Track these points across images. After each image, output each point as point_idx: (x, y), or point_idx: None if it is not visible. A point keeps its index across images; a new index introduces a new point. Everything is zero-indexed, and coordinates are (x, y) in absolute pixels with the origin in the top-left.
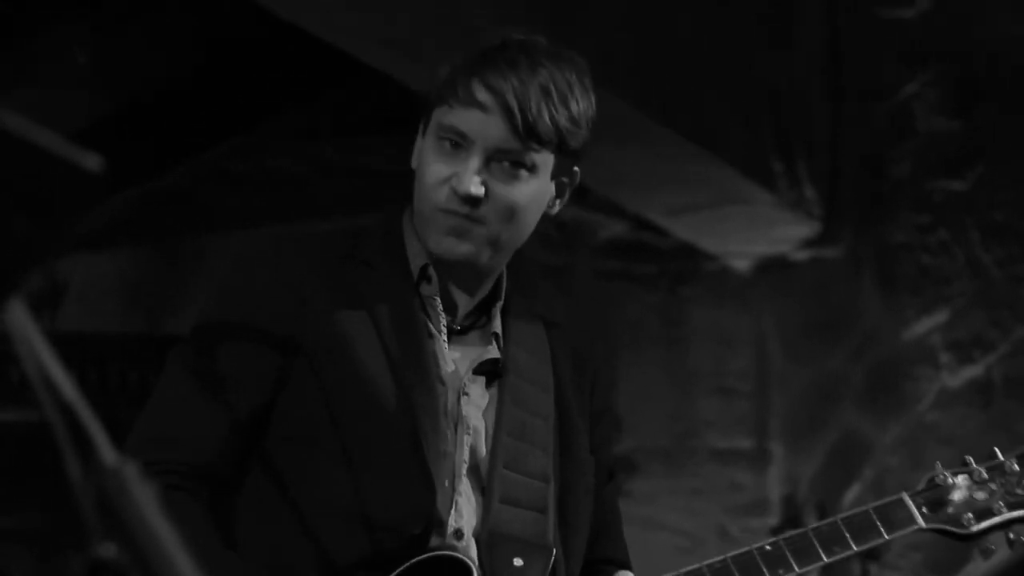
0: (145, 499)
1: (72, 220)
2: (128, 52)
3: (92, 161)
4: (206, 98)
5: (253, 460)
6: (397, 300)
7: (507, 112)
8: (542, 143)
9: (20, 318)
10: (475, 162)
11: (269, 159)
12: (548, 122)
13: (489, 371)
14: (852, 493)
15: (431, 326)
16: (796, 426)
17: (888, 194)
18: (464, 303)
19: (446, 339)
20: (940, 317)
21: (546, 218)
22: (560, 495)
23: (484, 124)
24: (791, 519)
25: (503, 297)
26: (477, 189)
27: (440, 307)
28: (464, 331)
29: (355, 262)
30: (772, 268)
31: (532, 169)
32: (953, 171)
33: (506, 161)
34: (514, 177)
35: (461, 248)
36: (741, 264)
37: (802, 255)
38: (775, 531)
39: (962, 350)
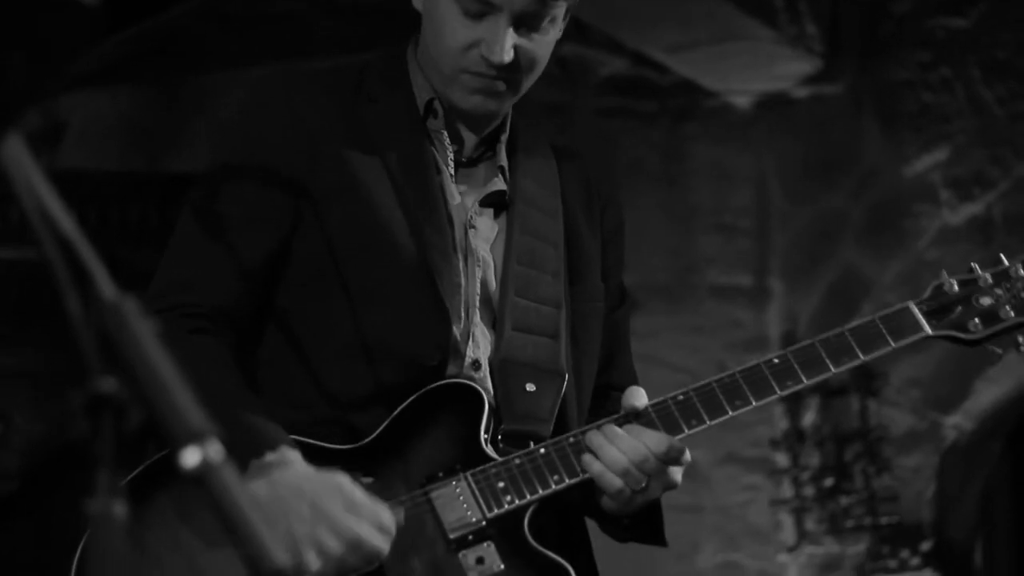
0: (144, 333)
1: (69, 57)
2: None
3: None
4: None
5: (271, 306)
6: (404, 136)
7: None
8: None
9: (17, 153)
10: (505, 30)
11: None
12: None
13: (497, 203)
14: None
15: (439, 160)
16: (796, 263)
17: (890, 31)
18: (471, 137)
19: (453, 173)
20: (941, 154)
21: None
22: (573, 322)
23: None
24: None
25: (508, 130)
26: (510, 56)
27: (447, 140)
28: (471, 164)
29: (362, 98)
30: (773, 105)
31: (553, 21)
32: (955, 8)
33: (532, 21)
34: (539, 32)
35: (490, 105)
36: (742, 101)
37: (803, 92)
38: None
39: (962, 187)
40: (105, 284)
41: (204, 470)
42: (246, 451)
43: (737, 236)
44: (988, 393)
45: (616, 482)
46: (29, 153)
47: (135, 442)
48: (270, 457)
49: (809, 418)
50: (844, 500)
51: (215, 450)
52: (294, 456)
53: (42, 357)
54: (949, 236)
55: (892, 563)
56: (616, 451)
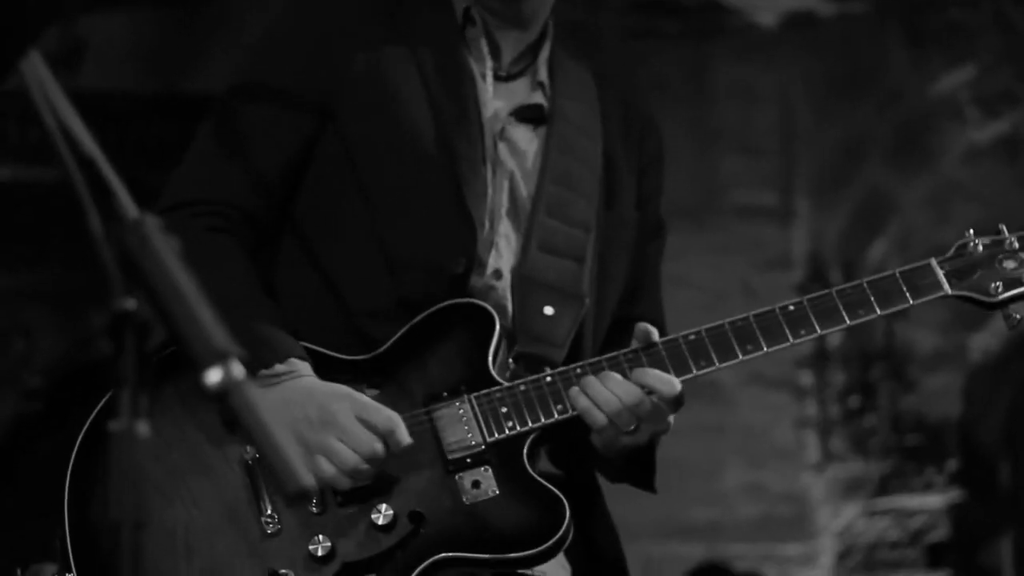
0: (166, 251)
1: None
2: None
3: None
4: None
5: (290, 218)
6: (441, 44)
7: None
8: None
9: (38, 73)
10: None
11: None
12: None
13: (535, 118)
14: (877, 249)
15: (475, 71)
16: (821, 182)
17: None
18: (510, 48)
19: (491, 85)
20: (967, 72)
21: None
22: (602, 248)
23: None
24: (815, 274)
25: (548, 47)
26: None
27: (486, 50)
28: (510, 79)
29: (399, 6)
30: (798, 23)
31: None
32: None
33: None
34: None
35: (533, 3)
36: (766, 19)
37: (828, 10)
38: (799, 287)
39: (988, 105)
40: (127, 203)
41: (227, 388)
42: (256, 361)
43: (762, 156)
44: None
45: (600, 418)
46: (49, 73)
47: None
48: (280, 367)
49: (834, 337)
50: (869, 420)
51: (238, 369)
52: (304, 367)
53: (63, 277)
54: (975, 154)
55: (917, 482)
56: (608, 392)
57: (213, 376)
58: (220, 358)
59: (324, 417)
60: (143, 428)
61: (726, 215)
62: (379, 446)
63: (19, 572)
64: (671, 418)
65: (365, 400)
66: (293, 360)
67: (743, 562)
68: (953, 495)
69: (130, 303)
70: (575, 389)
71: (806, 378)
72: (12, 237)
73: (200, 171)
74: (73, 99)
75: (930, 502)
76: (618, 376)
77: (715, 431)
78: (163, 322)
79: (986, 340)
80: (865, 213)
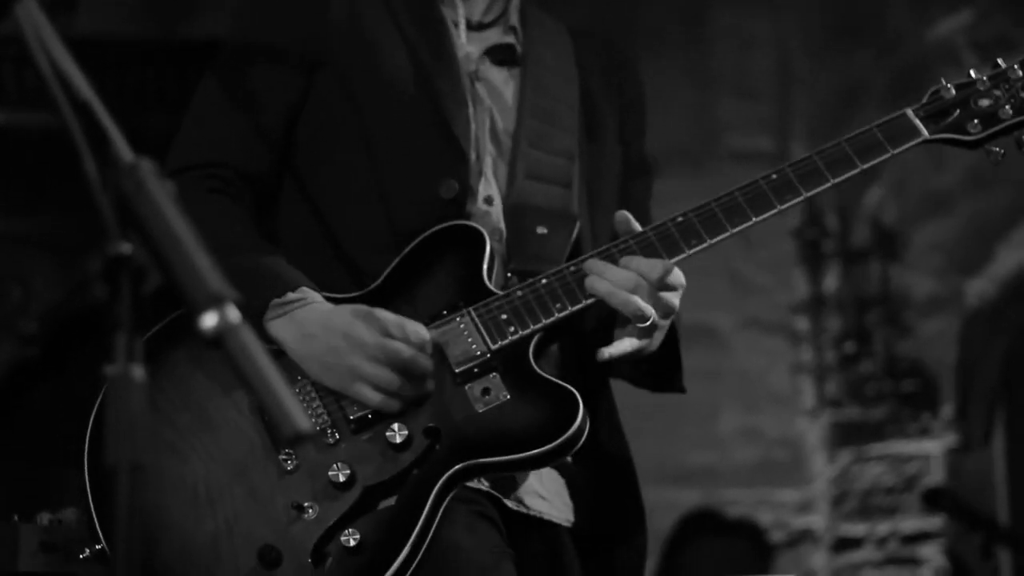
0: (162, 195)
1: None
2: None
3: None
4: None
5: (289, 169)
6: None
7: None
8: None
9: (33, 16)
10: None
11: None
12: None
13: (508, 60)
14: (872, 194)
15: (447, 18)
16: (819, 127)
17: None
18: None
19: (464, 32)
20: (964, 17)
21: None
22: (588, 176)
23: None
24: (811, 219)
25: None
26: None
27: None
28: (482, 28)
29: None
30: None
31: None
32: None
33: None
34: None
35: None
36: None
37: None
38: (796, 231)
39: (985, 50)
40: (122, 147)
41: (223, 332)
42: (267, 291)
43: (759, 100)
44: (1011, 258)
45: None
46: (45, 17)
47: (152, 305)
48: (291, 295)
49: (830, 283)
50: (865, 365)
51: (233, 313)
52: (314, 295)
53: (60, 223)
54: None
55: (913, 428)
56: (608, 284)
57: (208, 320)
58: (216, 302)
59: (350, 342)
60: (138, 372)
61: (722, 159)
62: (409, 350)
63: (16, 518)
64: (676, 299)
65: (387, 317)
66: (304, 288)
67: (738, 507)
68: (949, 441)
69: (126, 248)
70: (591, 278)
71: (802, 323)
72: (8, 183)
73: (198, 135)
74: (69, 45)
75: (926, 448)
76: (613, 266)
77: (711, 376)
78: (159, 267)
79: (982, 286)
80: None
